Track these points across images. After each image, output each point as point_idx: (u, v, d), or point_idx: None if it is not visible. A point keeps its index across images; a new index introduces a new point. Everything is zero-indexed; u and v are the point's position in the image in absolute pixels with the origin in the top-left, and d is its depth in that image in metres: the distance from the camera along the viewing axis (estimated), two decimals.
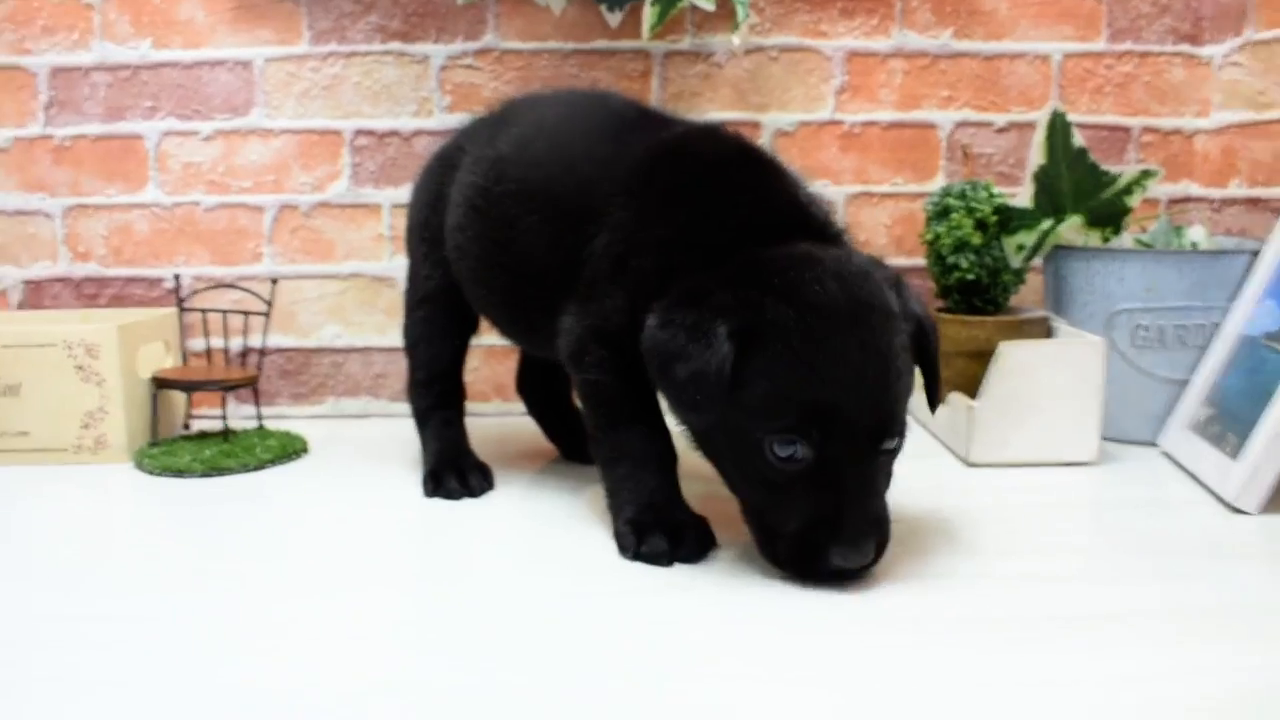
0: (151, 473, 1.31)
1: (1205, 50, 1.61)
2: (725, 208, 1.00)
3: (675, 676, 0.75)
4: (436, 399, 1.29)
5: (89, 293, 1.63)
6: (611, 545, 1.02)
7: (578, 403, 1.21)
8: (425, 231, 1.27)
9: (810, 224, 1.00)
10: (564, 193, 1.08)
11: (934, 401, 1.05)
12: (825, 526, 0.89)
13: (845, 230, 1.04)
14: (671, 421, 1.01)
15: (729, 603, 0.89)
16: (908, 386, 0.94)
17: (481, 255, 1.17)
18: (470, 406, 1.32)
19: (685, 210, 1.00)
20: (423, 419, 1.30)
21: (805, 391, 0.88)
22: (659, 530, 0.99)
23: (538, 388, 1.40)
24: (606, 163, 1.07)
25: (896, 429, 0.92)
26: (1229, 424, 1.22)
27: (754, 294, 0.90)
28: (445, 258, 1.24)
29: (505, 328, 1.24)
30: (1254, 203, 1.50)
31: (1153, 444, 1.38)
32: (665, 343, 0.92)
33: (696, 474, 1.07)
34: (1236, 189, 1.54)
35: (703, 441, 0.98)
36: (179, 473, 1.29)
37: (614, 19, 1.52)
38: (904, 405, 0.93)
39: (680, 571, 0.96)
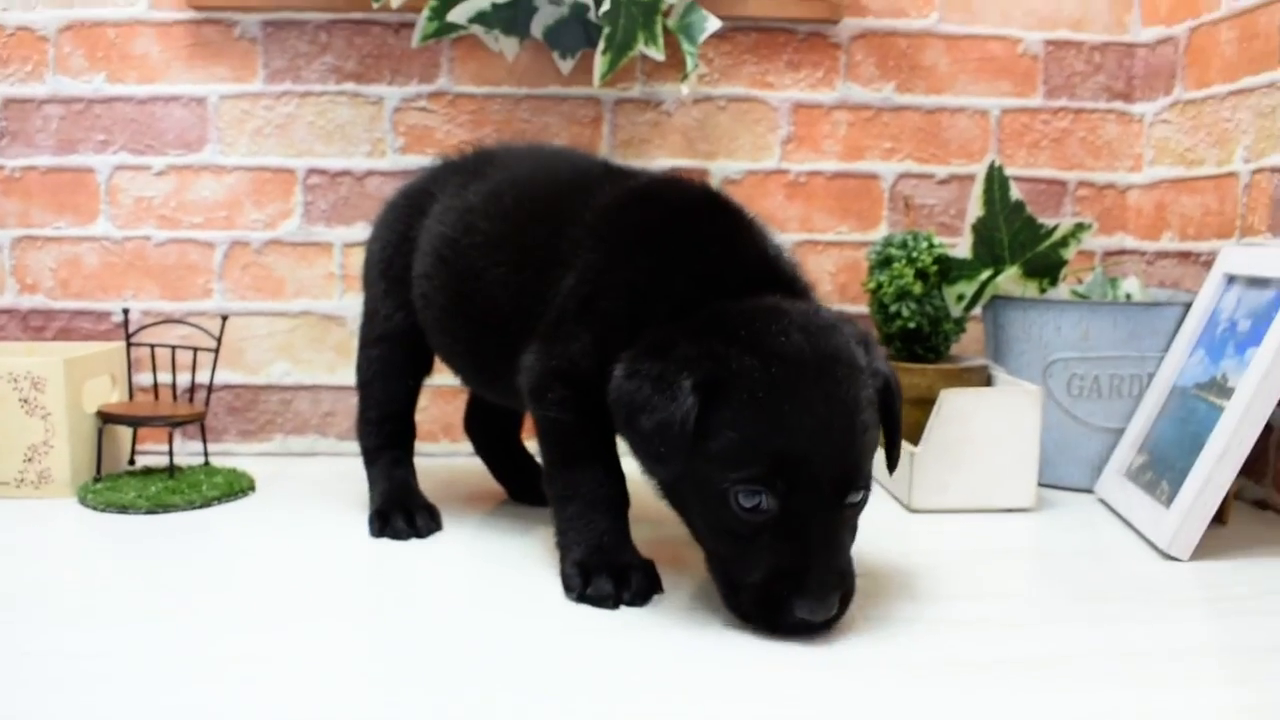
0: (95, 508, 1.29)
1: (1137, 108, 1.67)
2: (694, 257, 1.01)
3: (619, 716, 0.76)
4: (387, 438, 1.29)
5: (36, 325, 1.62)
6: (559, 586, 1.03)
7: (528, 442, 1.22)
8: (389, 271, 1.27)
9: (779, 277, 1.03)
10: (531, 241, 1.10)
11: (893, 460, 1.05)
12: (789, 579, 0.89)
13: (812, 285, 1.07)
14: (630, 465, 1.02)
15: (676, 644, 0.90)
16: (873, 441, 0.95)
17: (446, 305, 1.18)
18: (418, 446, 1.33)
19: (655, 256, 1.02)
20: (371, 458, 1.30)
21: (771, 442, 0.88)
22: (605, 572, 1.00)
23: (485, 427, 1.41)
24: (574, 210, 1.08)
25: (861, 482, 0.92)
26: (1162, 471, 1.26)
27: (719, 345, 0.91)
28: (408, 299, 1.25)
29: (468, 376, 1.25)
30: (1185, 256, 1.55)
31: (1089, 490, 1.42)
32: (631, 394, 0.93)
33: (646, 517, 1.08)
34: (1169, 242, 1.59)
35: (668, 491, 0.99)
36: (123, 509, 1.28)
37: (566, 66, 1.55)
38: (869, 459, 0.94)
39: (628, 613, 0.97)
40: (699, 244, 1.03)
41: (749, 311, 0.95)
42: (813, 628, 0.90)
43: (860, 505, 0.95)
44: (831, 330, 0.95)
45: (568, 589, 1.01)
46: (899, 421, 1.02)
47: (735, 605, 0.93)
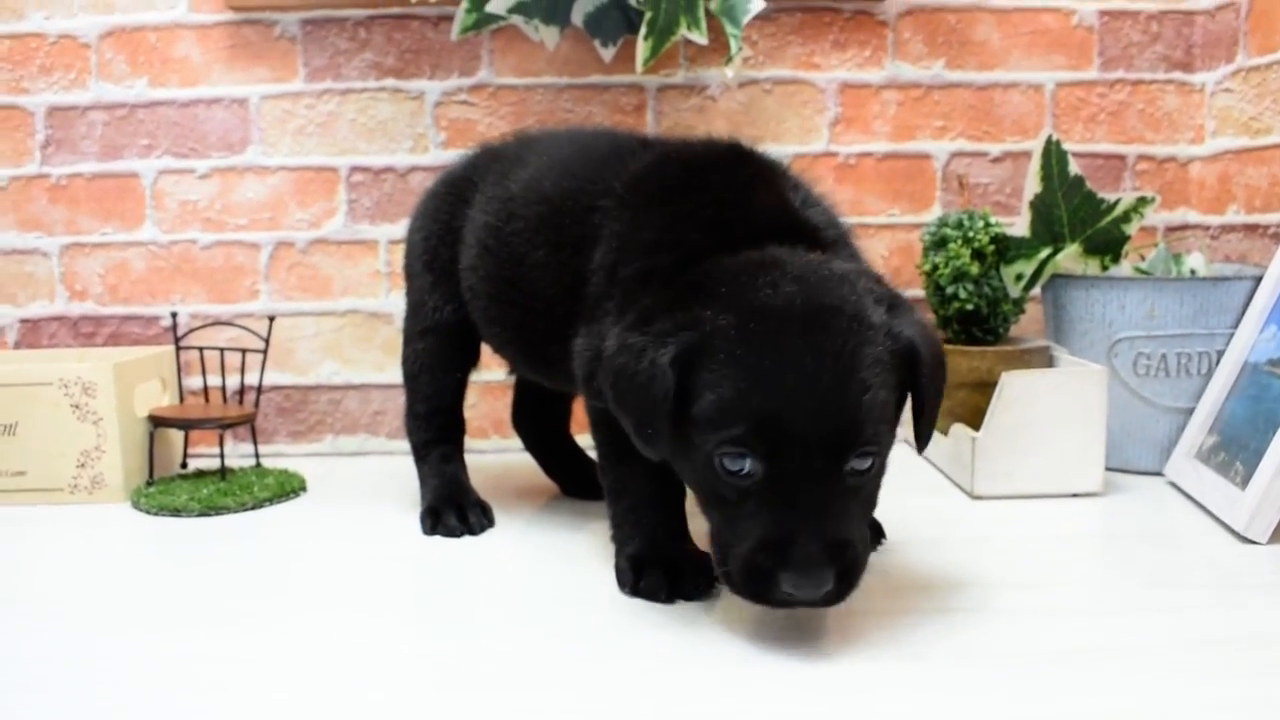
0: (148, 512, 1.29)
1: (1197, 77, 1.61)
2: (703, 208, 0.96)
3: (675, 711, 0.74)
4: (436, 433, 1.28)
5: (86, 331, 1.62)
6: (614, 581, 1.01)
7: (578, 435, 1.20)
8: (434, 262, 1.26)
9: (798, 227, 0.96)
10: (566, 220, 1.07)
11: (921, 438, 0.97)
12: (775, 550, 0.82)
13: (846, 236, 1.00)
14: None
15: (733, 637, 0.88)
16: (881, 403, 0.86)
17: (494, 295, 1.16)
18: (468, 443, 1.31)
19: (667, 212, 0.98)
20: (421, 454, 1.28)
21: (748, 399, 0.83)
22: (658, 567, 0.98)
23: (534, 422, 1.39)
24: (606, 182, 1.06)
25: (860, 445, 0.84)
26: (1235, 452, 1.21)
27: (698, 310, 0.86)
28: (456, 291, 1.23)
29: (523, 365, 1.23)
30: (1252, 229, 1.50)
31: (1158, 473, 1.37)
32: (614, 374, 0.90)
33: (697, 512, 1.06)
34: (1234, 215, 1.54)
35: (672, 466, 0.94)
36: (176, 512, 1.28)
37: (607, 53, 1.53)
38: (875, 421, 0.85)
39: (685, 608, 0.95)
40: (712, 195, 0.97)
41: (739, 266, 0.89)
42: (804, 604, 0.83)
43: (868, 474, 0.86)
44: (836, 281, 0.88)
45: (620, 584, 0.99)
46: (926, 394, 0.92)
47: (726, 577, 0.86)
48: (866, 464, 0.85)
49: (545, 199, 1.12)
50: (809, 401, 0.82)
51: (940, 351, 0.95)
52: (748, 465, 0.83)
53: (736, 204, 0.97)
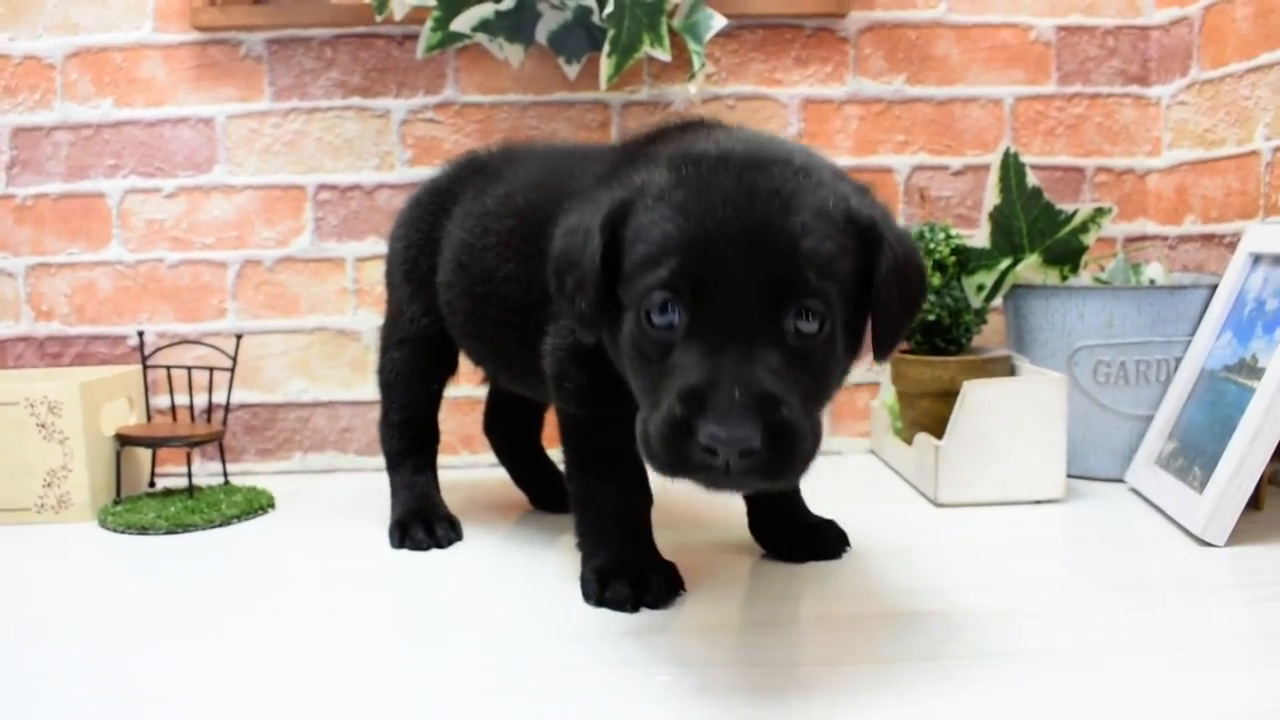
0: (116, 530, 1.29)
1: (1153, 91, 1.64)
2: (655, 148, 0.93)
3: (640, 718, 0.75)
4: (410, 442, 1.28)
5: (52, 351, 1.62)
6: (580, 593, 1.01)
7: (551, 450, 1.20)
8: (413, 272, 1.26)
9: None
10: (533, 231, 1.08)
11: (880, 346, 0.88)
12: (696, 399, 0.75)
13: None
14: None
15: (697, 646, 0.89)
16: (828, 256, 0.79)
17: (470, 310, 1.17)
18: (438, 459, 1.31)
19: (619, 167, 0.95)
20: (394, 463, 1.29)
21: (675, 238, 0.78)
22: (623, 577, 0.98)
23: (505, 432, 1.40)
24: (571, 189, 1.05)
25: (802, 296, 0.78)
26: (1193, 457, 1.23)
27: (633, 176, 0.84)
28: (434, 302, 1.23)
29: (504, 377, 1.23)
30: (1208, 238, 1.52)
31: (1119, 480, 1.39)
32: (555, 259, 0.89)
33: (669, 522, 1.07)
34: (1191, 225, 1.56)
35: (614, 360, 0.90)
36: (143, 530, 1.27)
37: (572, 71, 1.54)
38: (820, 274, 0.78)
39: (651, 616, 0.96)
40: (666, 142, 0.94)
41: (687, 137, 0.87)
42: (728, 476, 0.75)
43: (816, 340, 0.79)
44: (789, 147, 0.83)
45: (586, 595, 1.00)
46: (886, 290, 0.84)
47: (645, 448, 0.79)
48: (813, 326, 0.79)
49: (516, 213, 1.13)
50: (739, 236, 0.77)
51: (915, 255, 0.89)
52: (676, 315, 0.78)
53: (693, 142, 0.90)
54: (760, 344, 0.77)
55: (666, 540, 1.05)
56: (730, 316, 0.77)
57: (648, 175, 0.83)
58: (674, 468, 0.77)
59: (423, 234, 1.26)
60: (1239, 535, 1.13)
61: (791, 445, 0.76)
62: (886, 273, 0.83)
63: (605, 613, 0.97)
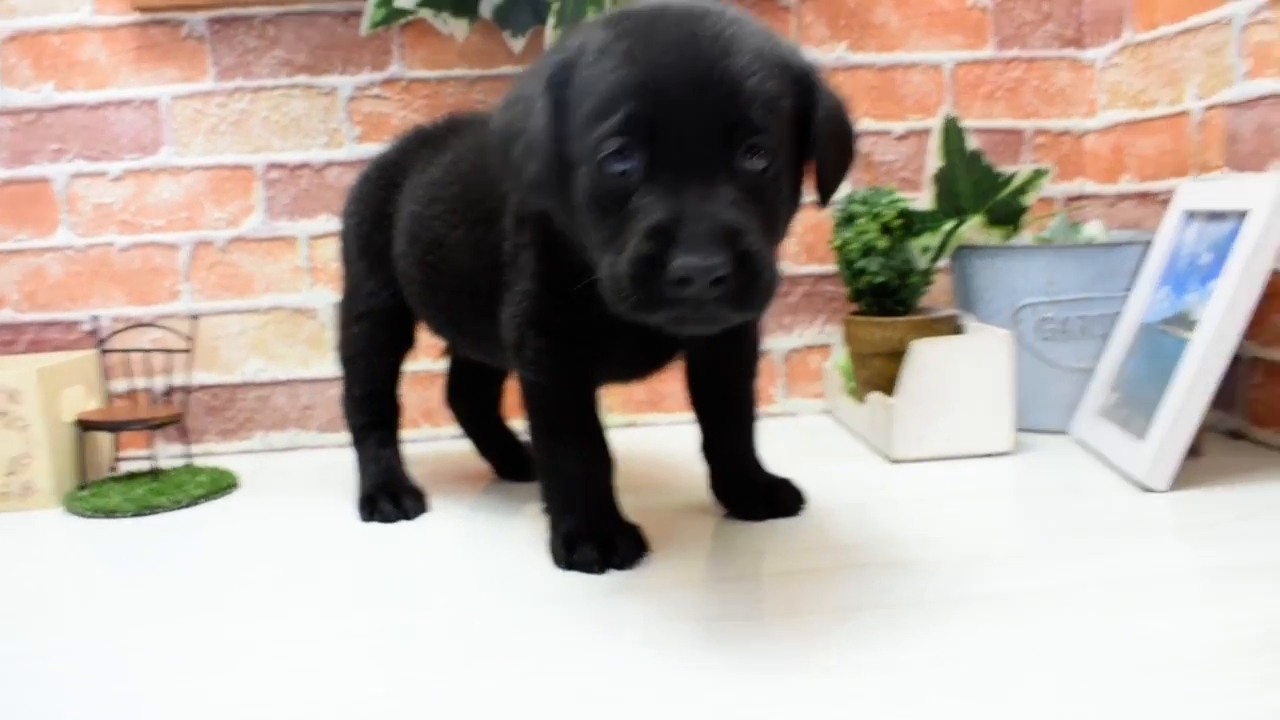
0: (82, 515, 1.29)
1: (1088, 53, 1.68)
2: None
3: (615, 680, 0.77)
4: (373, 416, 1.30)
5: (5, 339, 1.60)
6: (548, 558, 1.04)
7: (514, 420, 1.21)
8: (368, 248, 1.27)
9: None
10: (477, 195, 1.09)
11: (824, 188, 0.94)
12: (663, 234, 0.78)
13: None
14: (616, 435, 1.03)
15: (663, 603, 0.91)
16: (770, 95, 0.83)
17: (423, 280, 1.18)
18: (400, 434, 1.33)
19: None
20: (358, 437, 1.30)
21: (624, 85, 0.80)
22: (590, 540, 1.01)
23: (467, 403, 1.41)
24: None
25: (748, 133, 0.81)
26: (1135, 407, 1.28)
27: (567, 42, 0.87)
28: (390, 276, 1.24)
29: (462, 345, 1.25)
30: (1144, 196, 1.57)
31: (1064, 432, 1.44)
32: (499, 130, 0.89)
33: (631, 486, 1.09)
34: (1128, 184, 1.61)
35: (568, 228, 0.90)
36: (110, 513, 1.28)
37: (517, 44, 1.55)
38: (763, 111, 0.82)
39: (617, 577, 0.98)
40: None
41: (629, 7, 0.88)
42: (703, 305, 0.78)
43: (765, 177, 0.83)
44: (723, 5, 0.86)
45: (555, 560, 1.02)
46: (824, 137, 0.89)
47: (615, 290, 0.81)
48: (761, 164, 0.82)
49: (460, 178, 1.14)
50: (687, 79, 0.79)
51: (846, 107, 0.93)
52: (633, 162, 0.81)
53: None
54: (717, 181, 0.80)
55: (630, 504, 1.08)
56: (685, 157, 0.80)
57: (585, 37, 0.85)
58: (645, 305, 0.79)
59: (374, 209, 1.26)
60: (1181, 481, 1.17)
61: (757, 273, 0.79)
62: (823, 117, 0.89)
63: (573, 576, 0.99)
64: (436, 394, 1.49)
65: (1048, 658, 0.77)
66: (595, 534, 1.01)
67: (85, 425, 1.38)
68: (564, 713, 0.72)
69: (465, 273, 1.11)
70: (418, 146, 1.26)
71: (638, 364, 1.10)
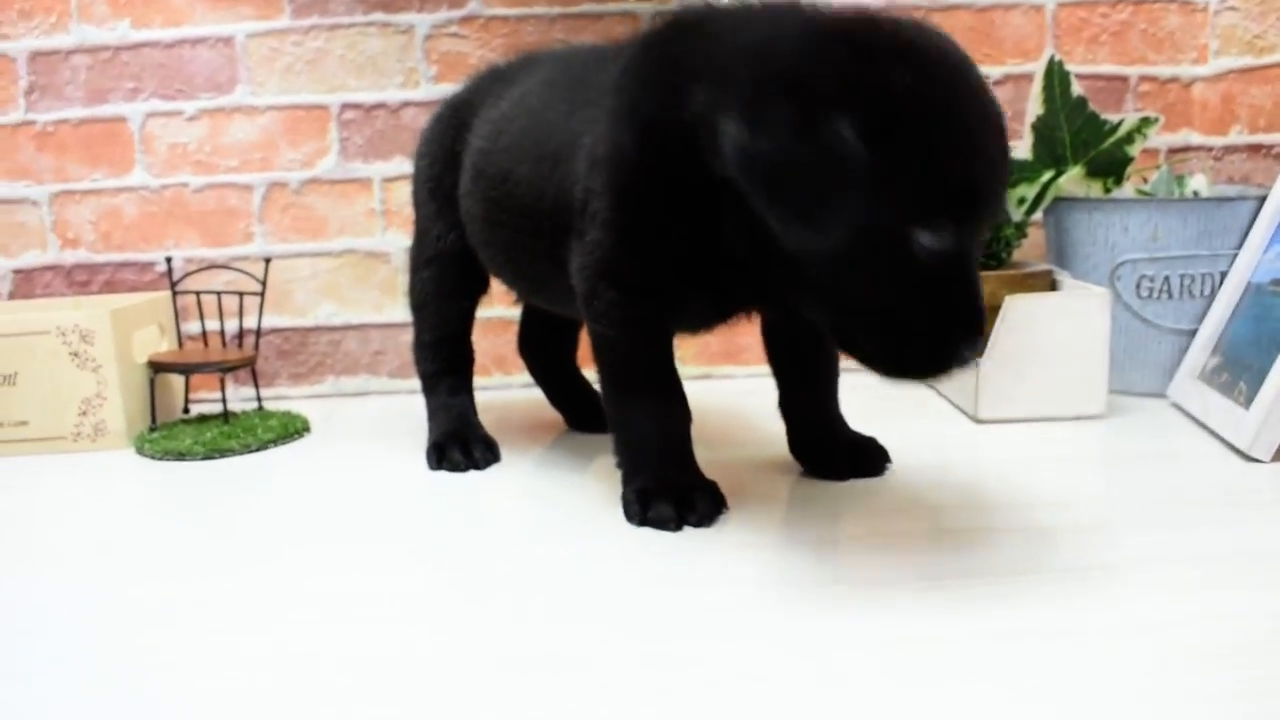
0: (153, 457, 1.29)
1: None
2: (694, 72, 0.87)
3: (686, 637, 0.74)
4: (444, 363, 1.27)
5: (80, 280, 1.61)
6: (620, 512, 1.01)
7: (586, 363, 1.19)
8: (438, 190, 1.24)
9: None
10: (546, 132, 1.05)
11: None
12: (958, 318, 0.82)
13: None
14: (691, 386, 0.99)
15: (740, 563, 0.88)
16: None
17: (485, 218, 1.14)
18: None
19: (646, 88, 0.91)
20: (429, 384, 1.28)
21: (952, 169, 0.78)
22: (665, 497, 0.97)
23: (539, 352, 1.38)
24: (588, 88, 1.02)
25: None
26: (1238, 372, 1.21)
27: (866, 67, 0.77)
28: (459, 218, 1.21)
29: (519, 287, 1.21)
30: (1255, 149, 1.48)
31: (1161, 395, 1.37)
32: (768, 155, 0.76)
33: (705, 439, 1.06)
34: (1237, 136, 1.52)
35: (809, 271, 0.83)
36: (180, 455, 1.27)
37: None
38: None
39: (692, 535, 0.95)
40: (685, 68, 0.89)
41: (865, 21, 0.81)
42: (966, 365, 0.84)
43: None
44: (945, 35, 0.82)
45: (628, 515, 0.99)
46: None
47: (899, 363, 0.84)
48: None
49: (528, 112, 1.10)
50: (995, 164, 0.80)
51: None
52: (944, 239, 0.79)
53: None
54: (977, 256, 0.84)
55: (705, 459, 1.04)
56: (971, 236, 0.81)
57: (900, 80, 0.76)
58: (931, 372, 0.85)
59: (445, 149, 1.23)
60: None
61: None
62: None
63: (647, 532, 0.96)
64: (509, 341, 1.47)
65: (1136, 634, 0.72)
66: (671, 490, 0.98)
67: (157, 367, 1.37)
68: (633, 676, 0.69)
69: (529, 211, 1.06)
70: (490, 84, 1.22)
71: (712, 318, 1.05)
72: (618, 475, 1.03)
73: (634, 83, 0.94)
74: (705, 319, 1.05)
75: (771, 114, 0.76)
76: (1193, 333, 1.35)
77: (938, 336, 0.82)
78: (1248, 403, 1.16)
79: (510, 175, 1.09)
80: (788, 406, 1.14)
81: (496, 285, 1.27)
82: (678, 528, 0.96)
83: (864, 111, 0.76)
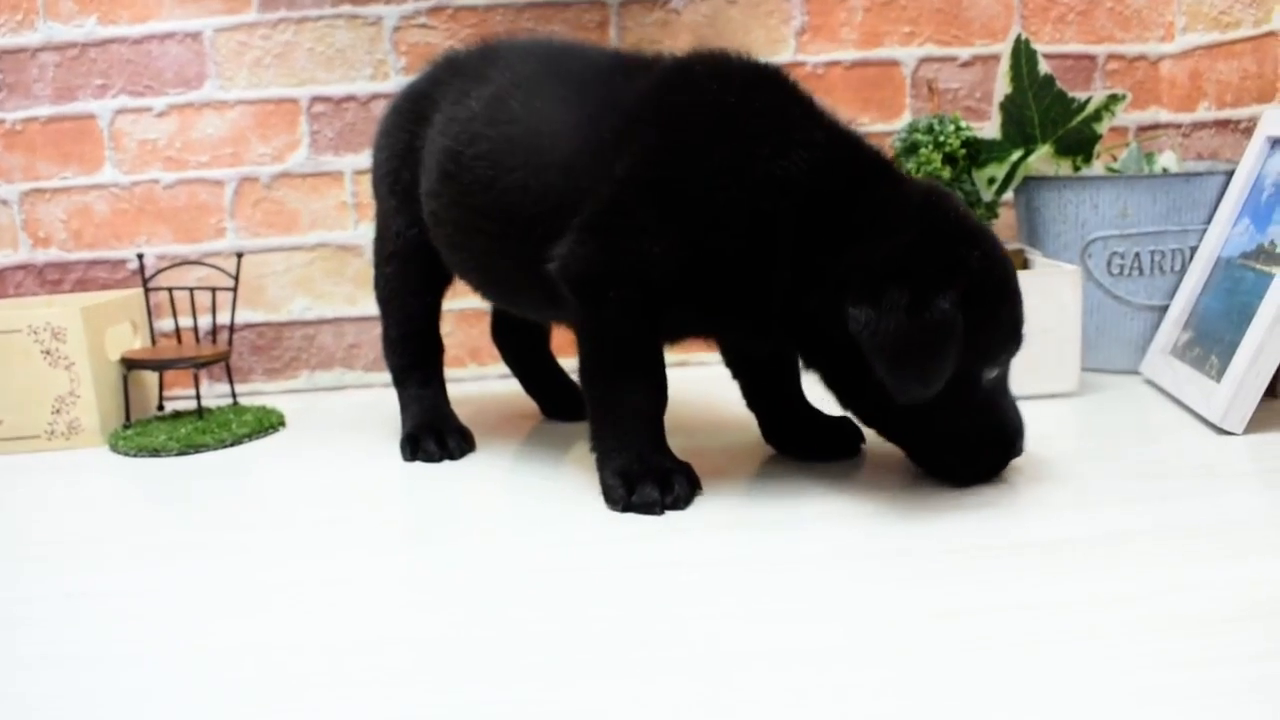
0: (127, 454, 1.29)
1: None
2: (792, 137, 0.98)
3: (672, 617, 0.75)
4: (413, 357, 1.26)
5: (52, 279, 1.60)
6: (600, 500, 1.01)
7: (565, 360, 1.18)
8: (397, 185, 1.22)
9: (867, 153, 1.02)
10: (554, 140, 1.04)
11: None
12: (1013, 424, 1.00)
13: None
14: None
15: (722, 545, 0.88)
16: None
17: (459, 221, 1.12)
18: (446, 373, 1.29)
19: (734, 134, 0.98)
20: (399, 378, 1.27)
21: (1009, 322, 0.98)
22: (649, 479, 0.97)
23: (513, 337, 1.37)
24: (606, 97, 1.03)
25: None
26: (1210, 346, 1.22)
27: (951, 253, 0.93)
28: (419, 215, 1.19)
29: (491, 293, 1.20)
30: (1223, 125, 1.49)
31: (1134, 372, 1.38)
32: (894, 333, 0.89)
33: (680, 428, 1.06)
34: (1205, 112, 1.53)
35: (899, 409, 0.96)
36: (155, 452, 1.27)
37: None
38: None
39: (672, 518, 0.96)
40: (778, 119, 0.99)
41: (949, 209, 0.97)
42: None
43: None
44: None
45: (610, 499, 0.99)
46: None
47: (975, 468, 1.01)
48: None
49: (514, 120, 1.08)
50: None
51: None
52: (998, 372, 0.99)
53: (832, 139, 1.01)
54: None
55: (681, 446, 1.05)
56: (1009, 364, 1.01)
57: (970, 259, 0.93)
58: (998, 470, 1.03)
59: (403, 144, 1.21)
60: (1257, 423, 1.12)
61: None
62: None
63: (624, 517, 0.96)
64: (483, 332, 1.47)
65: (1115, 606, 0.73)
66: (652, 473, 0.98)
67: (130, 364, 1.37)
68: (623, 657, 0.69)
69: (517, 219, 1.06)
70: (449, 76, 1.19)
71: (704, 336, 1.12)
72: (592, 462, 1.03)
73: (748, 141, 0.97)
74: (699, 335, 1.11)
75: (890, 297, 0.89)
76: (1164, 309, 1.36)
77: (1008, 442, 1.00)
78: (1219, 376, 1.16)
79: (495, 183, 1.07)
80: (754, 398, 1.16)
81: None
82: (661, 511, 0.96)
83: (959, 288, 0.91)
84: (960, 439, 0.99)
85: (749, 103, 0.99)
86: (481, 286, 1.20)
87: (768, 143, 0.97)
